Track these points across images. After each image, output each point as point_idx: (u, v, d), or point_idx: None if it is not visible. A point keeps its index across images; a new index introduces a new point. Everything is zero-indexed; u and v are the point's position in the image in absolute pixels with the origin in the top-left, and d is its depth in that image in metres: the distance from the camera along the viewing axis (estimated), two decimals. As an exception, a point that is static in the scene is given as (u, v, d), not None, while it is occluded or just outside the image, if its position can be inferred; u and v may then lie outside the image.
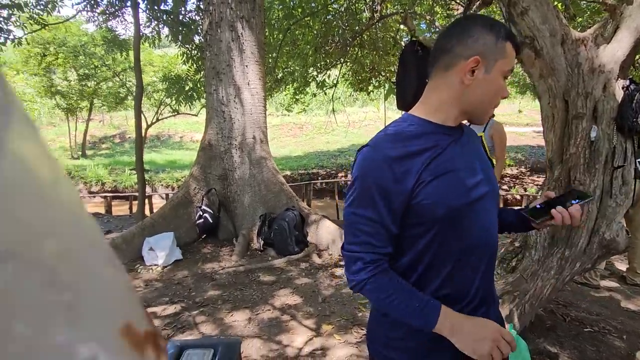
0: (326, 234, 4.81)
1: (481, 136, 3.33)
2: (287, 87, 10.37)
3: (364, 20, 7.87)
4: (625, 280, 3.77)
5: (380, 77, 10.27)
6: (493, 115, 3.24)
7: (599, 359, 2.46)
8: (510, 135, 18.53)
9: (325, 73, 9.47)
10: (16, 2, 6.14)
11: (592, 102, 2.31)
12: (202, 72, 8.75)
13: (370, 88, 10.46)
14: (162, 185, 13.15)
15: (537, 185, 12.35)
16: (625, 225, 2.51)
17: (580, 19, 6.77)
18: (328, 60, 8.80)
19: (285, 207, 4.97)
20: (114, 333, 0.15)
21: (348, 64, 9.72)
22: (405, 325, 0.94)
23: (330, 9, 8.19)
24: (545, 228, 1.10)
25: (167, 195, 10.67)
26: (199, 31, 7.86)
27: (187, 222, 4.98)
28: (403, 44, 8.82)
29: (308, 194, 10.58)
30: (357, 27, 7.88)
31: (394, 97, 5.04)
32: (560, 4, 5.14)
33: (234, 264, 4.36)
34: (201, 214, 4.88)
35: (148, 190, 10.71)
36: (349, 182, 0.98)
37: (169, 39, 8.17)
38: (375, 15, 6.91)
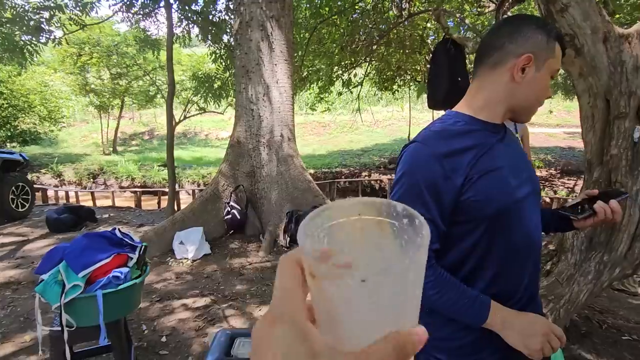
0: (352, 232, 4.81)
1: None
2: (312, 85, 10.41)
3: (391, 18, 7.82)
4: (666, 288, 3.61)
5: (406, 75, 10.18)
6: None
7: (638, 368, 2.38)
8: (540, 136, 17.98)
9: (351, 72, 9.46)
10: (57, 3, 6.42)
11: (635, 102, 2.23)
12: (230, 71, 8.90)
13: (395, 87, 10.38)
14: (188, 181, 13.44)
15: (567, 187, 11.94)
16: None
17: (619, 16, 6.51)
18: (354, 59, 8.79)
19: (312, 205, 5.01)
20: None
21: (374, 62, 9.67)
22: (451, 325, 0.95)
23: (357, 7, 8.18)
24: (585, 228, 1.08)
25: (193, 191, 10.90)
26: (228, 31, 8.00)
27: (216, 218, 5.08)
28: (430, 42, 8.72)
29: (332, 192, 10.61)
30: (383, 26, 7.84)
31: (424, 96, 4.99)
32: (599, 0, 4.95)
33: (261, 260, 4.43)
34: (229, 209, 4.98)
35: (176, 186, 10.97)
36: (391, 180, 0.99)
37: (198, 38, 8.35)
38: (403, 13, 6.85)
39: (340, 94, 10.49)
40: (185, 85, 15.23)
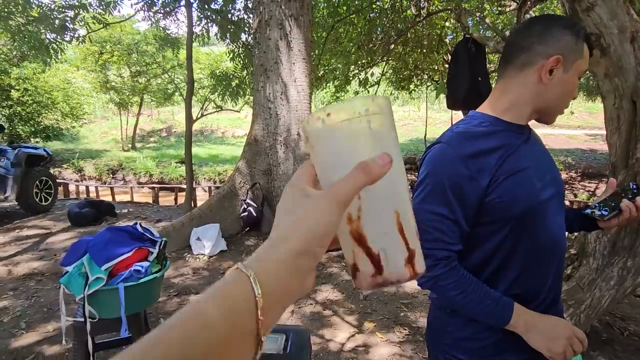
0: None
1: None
2: (328, 85, 10.40)
3: (409, 17, 7.76)
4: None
5: (423, 75, 10.08)
6: None
7: (662, 377, 2.32)
8: (560, 137, 17.59)
9: (368, 71, 9.41)
10: (82, 2, 6.58)
11: (664, 104, 2.17)
12: (247, 69, 8.97)
13: (412, 87, 10.30)
14: (204, 178, 13.61)
15: (588, 191, 11.66)
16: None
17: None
18: (370, 58, 8.75)
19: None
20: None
21: (391, 61, 9.61)
22: (473, 325, 0.95)
23: (375, 6, 8.14)
24: (611, 227, 1.06)
25: (209, 188, 11.04)
26: (247, 29, 8.06)
27: (232, 215, 5.14)
28: (448, 41, 8.61)
29: (347, 191, 10.56)
30: (400, 25, 7.78)
31: (441, 96, 4.95)
32: (625, -2, 4.81)
33: (276, 258, 4.45)
34: (245, 207, 5.03)
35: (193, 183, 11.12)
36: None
37: (217, 37, 8.44)
38: (421, 12, 6.79)
39: (356, 93, 10.46)
40: (202, 84, 15.41)
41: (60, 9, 6.79)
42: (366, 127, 0.35)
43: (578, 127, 20.46)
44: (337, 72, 9.63)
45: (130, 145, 18.69)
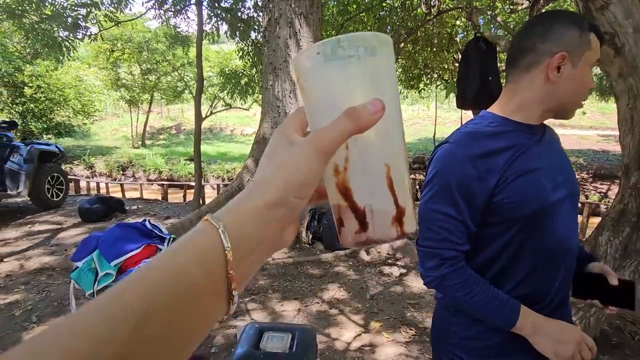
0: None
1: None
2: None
3: (419, 15, 7.71)
4: None
5: (433, 74, 10.02)
6: None
7: (674, 383, 2.28)
8: (572, 138, 17.37)
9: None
10: (94, 0, 6.66)
11: (680, 105, 2.13)
12: (256, 68, 8.99)
13: (421, 85, 10.24)
14: (213, 176, 13.69)
15: (599, 192, 11.49)
16: None
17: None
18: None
19: (334, 203, 5.01)
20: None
21: (400, 60, 9.56)
22: (478, 325, 0.94)
23: (385, 4, 8.10)
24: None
25: (218, 185, 11.11)
26: (256, 28, 8.08)
27: (240, 213, 5.16)
28: (458, 40, 8.55)
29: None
30: (410, 23, 7.74)
31: (451, 95, 4.91)
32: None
33: (283, 256, 4.47)
34: (253, 205, 5.05)
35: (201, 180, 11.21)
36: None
37: (227, 35, 8.48)
38: (432, 10, 6.74)
39: (365, 91, 10.42)
40: (212, 82, 15.50)
41: (73, 7, 6.88)
42: (361, 69, 0.31)
43: (590, 128, 20.16)
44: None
45: (140, 143, 18.88)
